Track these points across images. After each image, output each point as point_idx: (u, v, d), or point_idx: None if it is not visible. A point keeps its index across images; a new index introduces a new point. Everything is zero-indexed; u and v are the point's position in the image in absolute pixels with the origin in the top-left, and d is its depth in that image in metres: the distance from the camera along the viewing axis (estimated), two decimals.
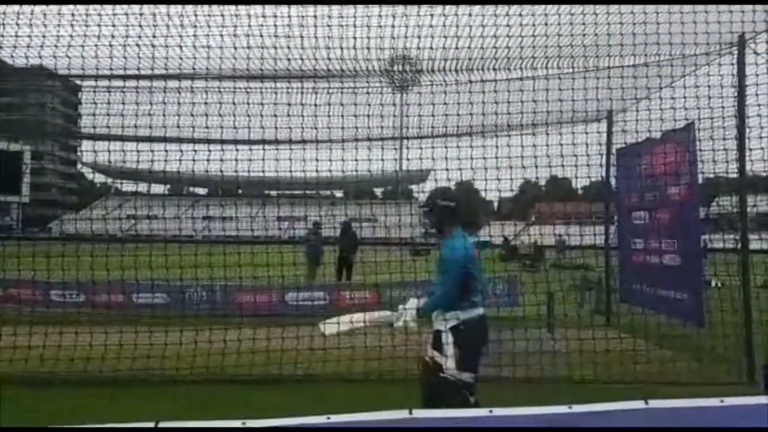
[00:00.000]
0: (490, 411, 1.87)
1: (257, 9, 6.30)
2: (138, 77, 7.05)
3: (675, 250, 7.00)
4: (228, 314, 9.18)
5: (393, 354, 5.86)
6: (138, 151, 7.27)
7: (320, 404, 3.19)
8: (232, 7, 6.33)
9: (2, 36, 6.56)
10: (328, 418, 1.85)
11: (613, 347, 6.46)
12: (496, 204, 67.94)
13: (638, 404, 1.89)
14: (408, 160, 8.79)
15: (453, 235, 3.98)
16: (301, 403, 5.24)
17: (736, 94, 5.96)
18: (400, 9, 6.29)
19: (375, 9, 6.24)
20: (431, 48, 6.53)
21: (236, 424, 1.78)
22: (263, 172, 7.45)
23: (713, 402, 1.94)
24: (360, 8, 6.27)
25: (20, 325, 6.56)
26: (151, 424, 1.77)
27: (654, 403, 1.90)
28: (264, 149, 7.47)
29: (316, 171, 7.35)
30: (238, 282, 8.28)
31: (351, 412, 1.86)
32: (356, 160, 7.51)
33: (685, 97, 6.18)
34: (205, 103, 7.06)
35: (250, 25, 6.37)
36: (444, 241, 4.02)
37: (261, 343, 6.40)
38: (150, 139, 7.42)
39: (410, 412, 1.84)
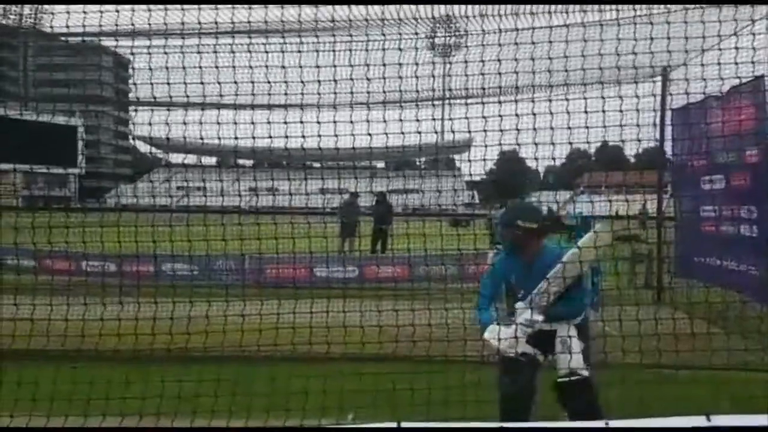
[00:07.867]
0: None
1: None
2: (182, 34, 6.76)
3: (743, 219, 6.39)
4: (252, 285, 9.09)
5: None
6: (185, 123, 6.99)
7: None
8: None
9: (53, 14, 6.44)
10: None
11: (663, 327, 5.99)
12: (542, 173, 66.27)
13: (699, 420, 1.56)
14: (451, 130, 8.26)
15: None
16: None
17: None
18: None
19: None
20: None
21: None
22: (303, 138, 7.10)
23: None
24: None
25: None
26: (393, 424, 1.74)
27: (717, 420, 1.56)
28: (302, 119, 7.13)
29: (352, 145, 6.97)
30: (271, 255, 8.12)
31: None
32: (402, 132, 7.05)
33: (754, 48, 5.38)
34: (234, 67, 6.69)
35: None
36: None
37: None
38: (202, 106, 7.18)
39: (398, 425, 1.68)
